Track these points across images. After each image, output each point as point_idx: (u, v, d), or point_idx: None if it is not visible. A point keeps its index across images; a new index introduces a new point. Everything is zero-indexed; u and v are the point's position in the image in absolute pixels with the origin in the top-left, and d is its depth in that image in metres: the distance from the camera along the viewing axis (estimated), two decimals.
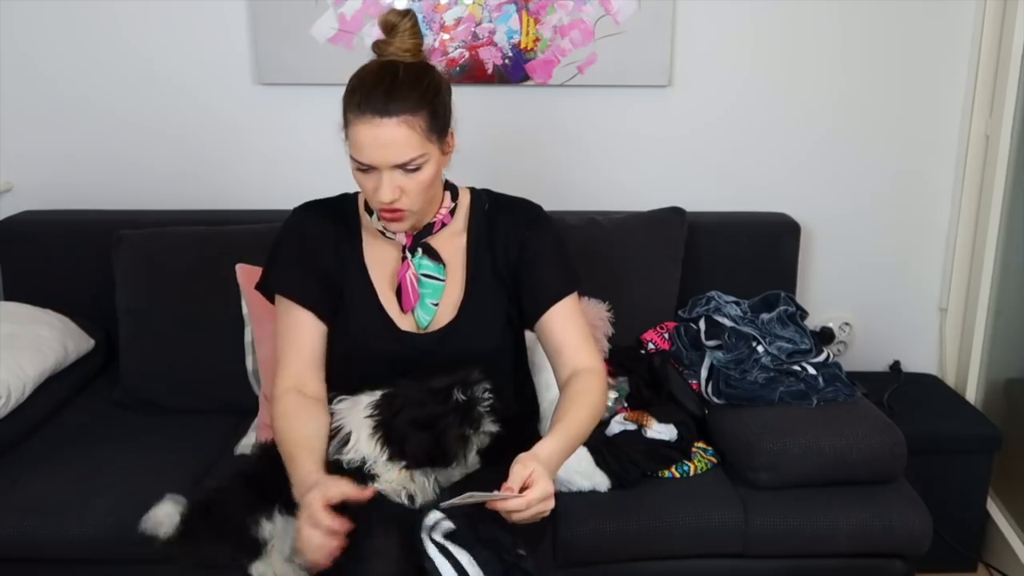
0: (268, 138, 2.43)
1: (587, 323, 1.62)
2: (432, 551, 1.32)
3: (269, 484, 1.49)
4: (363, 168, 1.44)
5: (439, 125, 1.46)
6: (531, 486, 1.29)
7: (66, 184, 2.45)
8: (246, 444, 1.98)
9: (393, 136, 1.40)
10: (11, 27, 2.35)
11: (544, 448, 1.38)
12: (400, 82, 1.41)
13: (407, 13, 1.46)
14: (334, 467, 1.44)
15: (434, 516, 1.35)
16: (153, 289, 2.16)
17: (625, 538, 1.73)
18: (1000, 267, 2.36)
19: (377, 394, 1.48)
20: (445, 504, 1.34)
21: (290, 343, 1.57)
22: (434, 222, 1.58)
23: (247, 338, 2.11)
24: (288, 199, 2.22)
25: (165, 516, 1.54)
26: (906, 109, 2.42)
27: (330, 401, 1.55)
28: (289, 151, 2.43)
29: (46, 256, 2.31)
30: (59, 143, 2.43)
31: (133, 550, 1.71)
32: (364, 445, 1.44)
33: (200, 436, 2.02)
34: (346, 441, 1.45)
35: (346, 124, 1.45)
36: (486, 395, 1.44)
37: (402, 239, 1.58)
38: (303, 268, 1.58)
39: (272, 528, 1.47)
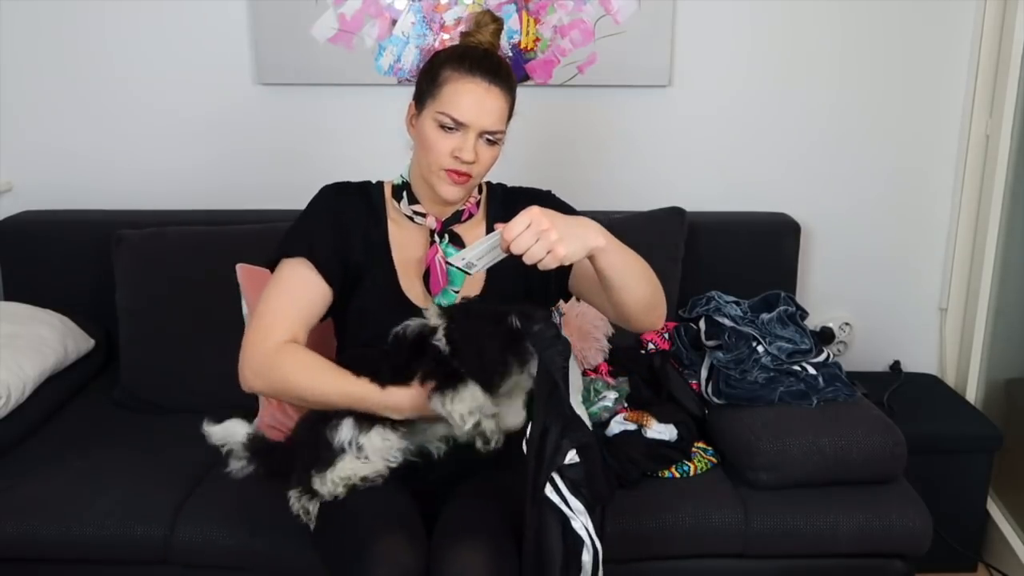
0: (268, 138, 2.43)
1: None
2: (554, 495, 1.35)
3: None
4: (451, 126, 1.52)
5: (511, 117, 1.59)
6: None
7: (66, 184, 2.45)
8: None
9: (496, 104, 1.53)
10: (11, 27, 2.35)
11: None
12: (504, 64, 1.57)
13: (498, 19, 1.60)
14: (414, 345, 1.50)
15: (570, 456, 1.36)
16: (153, 289, 2.16)
17: (625, 538, 1.73)
18: (1000, 267, 2.36)
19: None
20: (459, 258, 1.40)
21: (293, 299, 1.57)
22: (463, 210, 1.65)
23: None
24: (288, 199, 2.23)
25: (232, 433, 1.58)
26: (906, 109, 2.42)
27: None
28: (289, 151, 2.43)
29: (46, 256, 2.31)
30: (59, 143, 2.43)
31: (133, 550, 1.72)
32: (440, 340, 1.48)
33: (200, 436, 2.01)
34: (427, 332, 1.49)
35: (440, 83, 1.53)
36: (550, 335, 1.41)
37: (431, 223, 1.63)
38: (330, 242, 1.60)
39: (347, 434, 1.50)
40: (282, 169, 2.44)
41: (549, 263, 1.36)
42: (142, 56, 2.37)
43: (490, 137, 1.54)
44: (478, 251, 1.40)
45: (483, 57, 1.53)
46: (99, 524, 1.71)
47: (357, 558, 1.38)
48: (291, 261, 1.59)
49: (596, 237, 1.42)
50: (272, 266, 1.64)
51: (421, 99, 1.56)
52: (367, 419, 1.50)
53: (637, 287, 1.51)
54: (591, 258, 1.44)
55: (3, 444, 1.92)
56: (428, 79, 1.55)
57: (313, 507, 1.53)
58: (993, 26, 2.30)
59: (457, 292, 1.62)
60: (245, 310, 2.10)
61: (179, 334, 2.13)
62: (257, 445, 1.58)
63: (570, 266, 1.61)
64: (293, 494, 1.55)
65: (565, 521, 1.35)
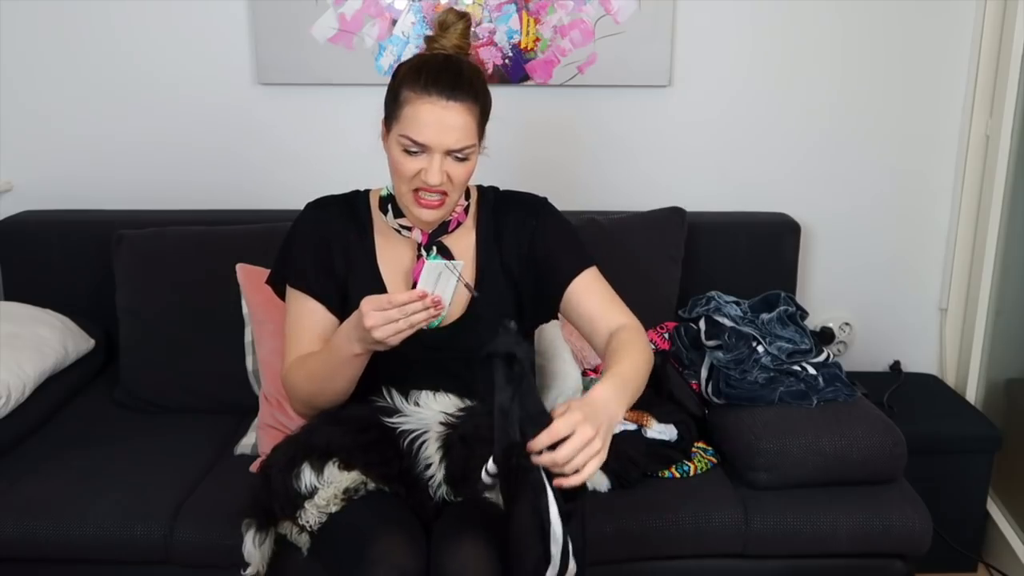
0: (268, 138, 2.43)
1: (611, 289, 1.61)
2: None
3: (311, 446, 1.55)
4: (414, 150, 1.46)
5: (485, 124, 1.52)
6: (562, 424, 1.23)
7: (66, 184, 2.45)
8: (246, 444, 1.98)
9: (457, 120, 1.45)
10: (11, 27, 2.35)
11: (594, 392, 1.33)
12: (466, 72, 1.48)
13: (464, 15, 1.52)
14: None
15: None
16: (153, 289, 2.16)
17: (625, 538, 1.73)
18: (1000, 267, 2.36)
19: (457, 404, 1.53)
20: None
21: (300, 330, 1.60)
22: (450, 220, 1.61)
23: (247, 338, 2.11)
24: (288, 199, 2.23)
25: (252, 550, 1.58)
26: (906, 109, 2.42)
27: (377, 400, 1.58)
28: (289, 151, 2.44)
29: (46, 256, 2.31)
30: (59, 143, 2.43)
31: (133, 550, 1.72)
32: (431, 446, 1.49)
33: (200, 436, 2.02)
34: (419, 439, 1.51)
35: (400, 104, 1.47)
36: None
37: (417, 236, 1.61)
38: (316, 263, 1.61)
39: (309, 479, 1.51)
40: (282, 169, 2.44)
41: (587, 476, 1.24)
42: (142, 56, 2.37)
43: (459, 155, 1.47)
44: (423, 285, 1.36)
45: (441, 69, 1.45)
46: (99, 524, 1.71)
47: (357, 560, 1.38)
48: (292, 291, 1.62)
49: (617, 416, 1.34)
50: (271, 283, 1.67)
51: (388, 119, 1.51)
52: (319, 460, 1.52)
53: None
54: None
55: (3, 444, 1.92)
56: (391, 98, 1.49)
57: (304, 539, 1.55)
58: (993, 26, 2.30)
59: (448, 304, 1.60)
60: (245, 310, 2.10)
61: (179, 334, 2.13)
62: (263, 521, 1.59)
63: (560, 292, 1.59)
64: (286, 527, 1.57)
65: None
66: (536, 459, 1.24)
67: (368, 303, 1.37)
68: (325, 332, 1.58)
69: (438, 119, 1.44)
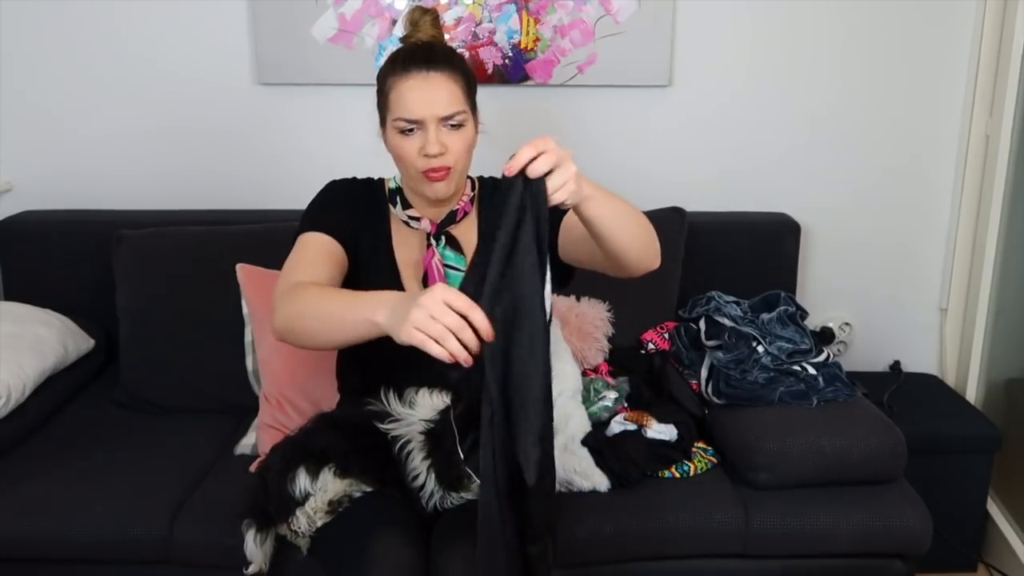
0: (268, 138, 2.43)
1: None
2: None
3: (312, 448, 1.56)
4: (408, 129, 1.51)
5: (472, 95, 1.57)
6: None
7: (66, 184, 2.45)
8: (246, 444, 1.98)
9: (440, 88, 1.51)
10: (11, 27, 2.35)
11: None
12: (438, 49, 1.55)
13: (428, 10, 1.59)
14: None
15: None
16: (153, 289, 2.16)
17: (625, 538, 1.73)
18: (1000, 267, 2.36)
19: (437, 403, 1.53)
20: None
21: (310, 257, 1.52)
22: (457, 210, 1.64)
23: (247, 338, 2.11)
24: (288, 199, 2.23)
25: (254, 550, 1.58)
26: (906, 109, 2.42)
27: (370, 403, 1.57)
28: (289, 151, 2.44)
29: (46, 256, 2.31)
30: (59, 143, 2.43)
31: (133, 550, 1.72)
32: (416, 457, 1.50)
33: (200, 436, 2.02)
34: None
35: (386, 93, 1.53)
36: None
37: (426, 226, 1.64)
38: (338, 215, 1.60)
39: (304, 484, 1.52)
40: (282, 169, 2.44)
41: (562, 196, 1.21)
42: (142, 56, 2.37)
43: (452, 122, 1.52)
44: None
45: (413, 51, 1.54)
46: (99, 524, 1.71)
47: (356, 559, 1.38)
48: (307, 236, 1.56)
49: (590, 186, 1.30)
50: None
51: (381, 116, 1.58)
52: (315, 465, 1.52)
53: (628, 230, 1.39)
54: (578, 210, 1.31)
55: (3, 444, 1.92)
56: (378, 95, 1.57)
57: (304, 540, 1.55)
58: (993, 26, 2.30)
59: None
60: (245, 310, 2.10)
61: (179, 334, 2.13)
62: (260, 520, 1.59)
63: (557, 227, 1.52)
64: (283, 528, 1.57)
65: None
66: (521, 167, 1.19)
67: (443, 289, 1.20)
68: (331, 263, 1.53)
69: (422, 92, 1.50)
